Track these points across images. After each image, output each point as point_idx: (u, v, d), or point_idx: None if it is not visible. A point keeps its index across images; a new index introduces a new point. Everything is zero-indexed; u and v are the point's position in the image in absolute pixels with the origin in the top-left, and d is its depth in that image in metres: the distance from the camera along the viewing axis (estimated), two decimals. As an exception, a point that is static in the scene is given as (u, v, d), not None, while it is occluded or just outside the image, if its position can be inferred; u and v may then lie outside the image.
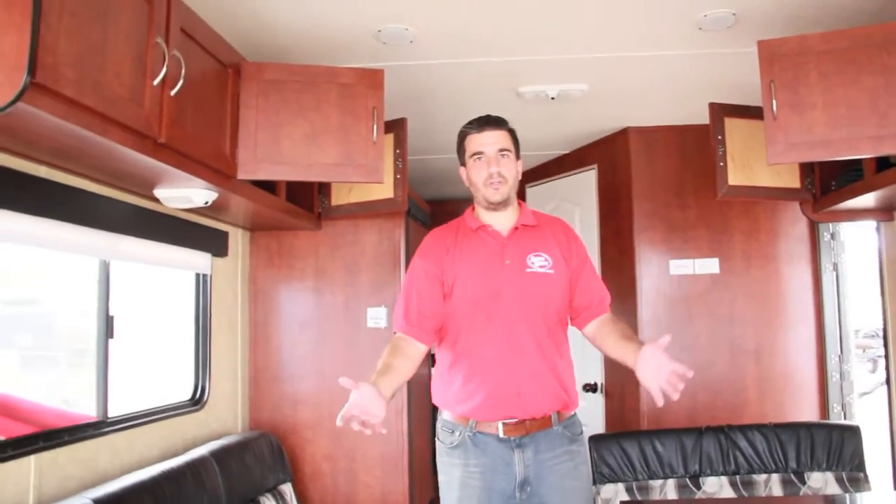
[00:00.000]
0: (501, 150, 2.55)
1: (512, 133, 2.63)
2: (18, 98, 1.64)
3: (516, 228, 2.61)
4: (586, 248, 2.74)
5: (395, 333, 2.60)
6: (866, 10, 2.84)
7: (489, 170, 2.53)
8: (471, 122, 2.62)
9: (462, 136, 2.64)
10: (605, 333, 2.59)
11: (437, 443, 2.61)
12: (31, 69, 1.64)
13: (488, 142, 2.55)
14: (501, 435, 2.47)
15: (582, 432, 2.64)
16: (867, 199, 3.21)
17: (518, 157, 2.65)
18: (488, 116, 2.61)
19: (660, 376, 2.20)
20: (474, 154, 2.57)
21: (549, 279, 2.56)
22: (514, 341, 2.49)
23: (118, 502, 2.30)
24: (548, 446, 2.50)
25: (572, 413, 2.61)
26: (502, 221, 2.62)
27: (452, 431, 2.54)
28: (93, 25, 1.91)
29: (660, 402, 2.19)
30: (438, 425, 2.62)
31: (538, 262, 2.55)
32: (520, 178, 2.66)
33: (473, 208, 2.69)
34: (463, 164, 2.65)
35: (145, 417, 2.96)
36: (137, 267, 3.08)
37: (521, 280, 2.52)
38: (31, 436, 2.32)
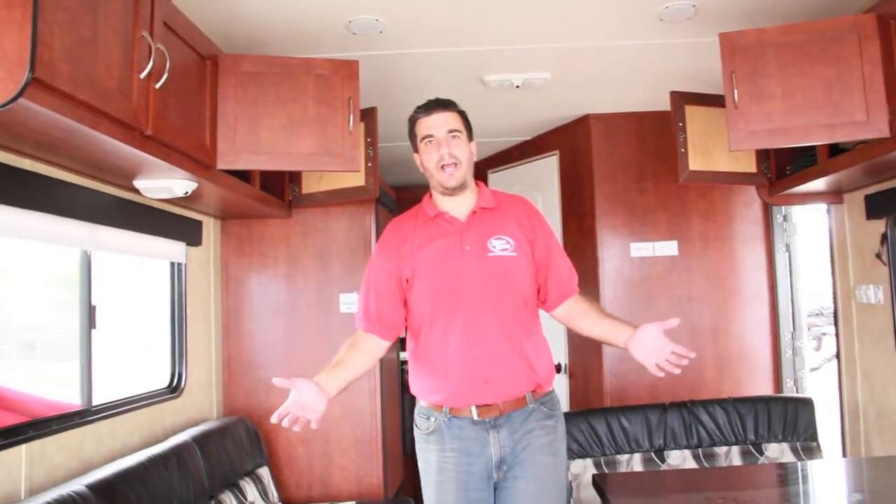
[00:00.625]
0: (451, 130, 2.50)
1: (462, 115, 2.58)
2: (20, 94, 1.67)
3: (474, 212, 2.55)
4: (550, 227, 2.69)
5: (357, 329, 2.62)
6: (816, 4, 2.99)
7: (440, 151, 2.48)
8: (419, 107, 2.57)
9: (412, 122, 2.59)
10: (581, 312, 2.60)
11: (415, 429, 2.61)
12: (32, 65, 1.67)
13: (437, 124, 2.50)
14: (475, 418, 2.46)
15: (559, 408, 2.64)
16: (819, 184, 3.36)
17: (470, 138, 2.59)
18: (437, 99, 2.56)
19: (659, 355, 2.31)
20: (424, 137, 2.52)
21: (511, 262, 2.51)
22: (478, 329, 2.45)
23: (110, 488, 2.35)
24: (522, 424, 2.48)
25: (548, 391, 2.59)
26: (460, 206, 2.56)
27: (428, 417, 2.53)
28: (84, 19, 1.93)
29: (659, 374, 2.33)
30: (416, 412, 2.62)
31: (500, 246, 2.50)
32: (474, 159, 2.60)
33: (431, 195, 2.63)
34: (415, 149, 2.60)
35: (127, 405, 2.99)
36: (113, 257, 3.09)
37: (483, 265, 2.48)
38: (21, 425, 2.35)
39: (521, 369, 2.49)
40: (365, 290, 2.60)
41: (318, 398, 2.23)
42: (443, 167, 2.49)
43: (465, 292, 2.46)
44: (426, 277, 2.50)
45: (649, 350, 2.34)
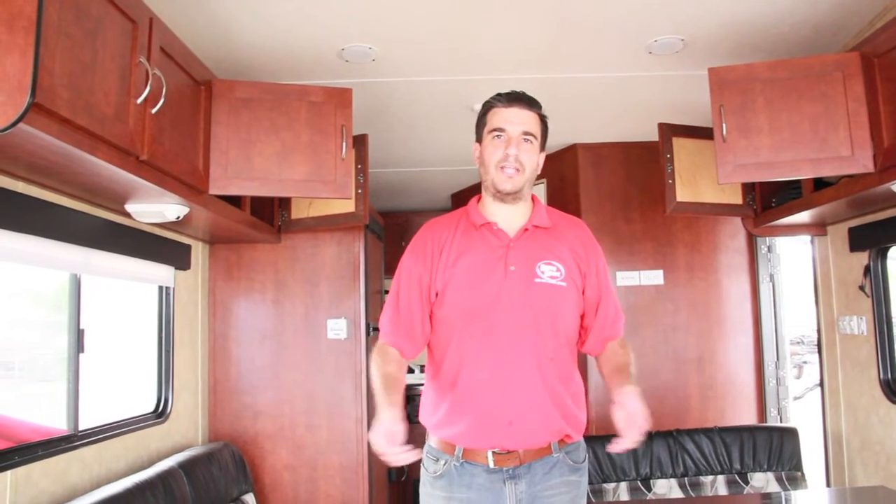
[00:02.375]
0: (526, 133, 2.17)
1: (543, 119, 2.26)
2: (20, 119, 1.67)
3: (526, 229, 2.23)
4: (605, 259, 2.36)
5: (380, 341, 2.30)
6: (801, 40, 3.07)
7: (506, 151, 2.15)
8: (499, 95, 2.23)
9: (486, 108, 2.25)
10: (606, 357, 2.28)
11: (422, 470, 2.26)
12: (33, 91, 1.68)
13: (514, 120, 2.17)
14: (491, 465, 2.14)
15: (585, 459, 2.28)
16: (804, 216, 3.42)
17: (542, 148, 2.27)
18: (522, 93, 2.24)
19: (629, 424, 1.94)
20: (494, 130, 2.19)
21: (560, 293, 2.18)
22: (511, 362, 2.13)
23: (97, 515, 2.33)
24: (545, 476, 2.16)
25: (578, 440, 2.26)
26: (511, 218, 2.25)
27: (437, 459, 2.21)
28: (84, 46, 1.94)
29: (617, 448, 1.96)
30: (424, 451, 2.26)
31: (549, 272, 2.17)
32: (538, 172, 2.28)
33: (479, 198, 2.32)
34: (478, 139, 2.27)
35: (113, 430, 2.96)
36: (103, 281, 3.08)
37: (527, 291, 2.15)
38: (7, 450, 2.32)
39: (552, 416, 2.17)
40: (393, 300, 2.27)
41: (399, 426, 1.91)
42: (502, 168, 2.17)
43: (503, 319, 2.14)
44: (460, 294, 2.18)
45: (621, 415, 1.95)
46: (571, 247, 2.25)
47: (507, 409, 2.13)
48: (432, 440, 2.26)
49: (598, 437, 3.72)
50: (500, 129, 2.18)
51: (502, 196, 2.21)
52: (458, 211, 2.35)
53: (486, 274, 2.17)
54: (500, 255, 2.19)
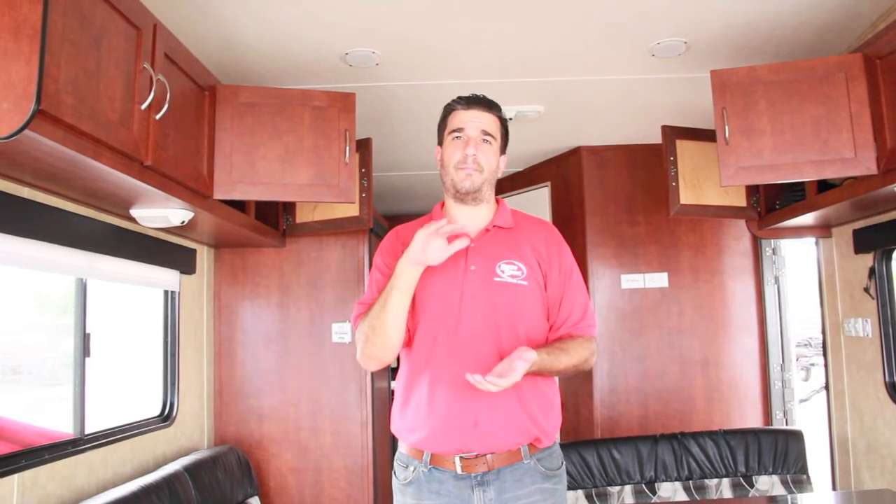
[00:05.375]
0: (485, 133, 2.21)
1: (502, 122, 2.29)
2: (26, 126, 1.69)
3: (487, 230, 2.25)
4: (573, 261, 2.33)
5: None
6: (803, 42, 3.07)
7: (465, 151, 2.18)
8: (460, 97, 2.27)
9: (447, 111, 2.30)
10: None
11: (393, 479, 2.29)
12: (38, 98, 1.69)
13: (473, 120, 2.21)
14: (459, 471, 2.12)
15: (561, 466, 2.25)
16: (808, 218, 3.41)
17: (503, 150, 2.30)
18: (482, 96, 2.27)
19: (501, 370, 2.00)
20: (454, 131, 2.23)
21: (521, 291, 2.18)
22: (475, 362, 2.06)
23: (102, 518, 2.34)
24: (515, 484, 2.13)
25: (549, 445, 2.22)
26: (473, 220, 2.25)
27: (406, 466, 2.21)
28: (89, 53, 1.96)
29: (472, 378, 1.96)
30: (395, 459, 2.30)
31: (509, 271, 2.18)
32: (500, 173, 2.30)
33: (443, 204, 2.35)
34: (440, 142, 2.32)
35: (119, 434, 2.98)
36: (106, 284, 3.09)
37: (488, 290, 2.16)
38: (13, 454, 2.33)
39: (518, 417, 2.14)
40: (371, 295, 2.25)
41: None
42: (461, 168, 2.20)
43: (465, 317, 2.15)
44: (423, 294, 2.18)
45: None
46: (533, 246, 2.26)
47: (471, 410, 2.11)
48: (402, 447, 2.26)
49: (604, 440, 3.72)
50: (459, 130, 2.21)
51: (462, 196, 2.23)
52: (424, 217, 2.38)
53: (447, 274, 2.18)
54: (460, 254, 2.17)
